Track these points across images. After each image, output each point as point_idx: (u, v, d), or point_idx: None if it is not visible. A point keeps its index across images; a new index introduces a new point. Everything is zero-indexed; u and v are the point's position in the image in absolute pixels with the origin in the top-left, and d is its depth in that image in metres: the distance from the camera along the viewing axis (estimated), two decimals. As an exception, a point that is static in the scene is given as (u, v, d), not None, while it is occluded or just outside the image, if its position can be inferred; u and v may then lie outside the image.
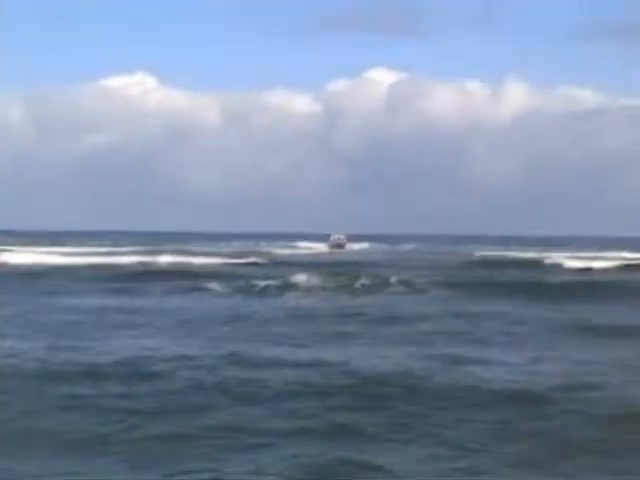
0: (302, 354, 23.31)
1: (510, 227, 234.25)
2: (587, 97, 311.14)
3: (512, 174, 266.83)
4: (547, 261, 76.45)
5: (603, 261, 74.39)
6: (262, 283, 47.27)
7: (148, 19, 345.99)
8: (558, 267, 70.00)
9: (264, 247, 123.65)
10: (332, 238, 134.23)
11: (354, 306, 38.05)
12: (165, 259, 73.31)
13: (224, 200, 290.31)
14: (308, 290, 46.45)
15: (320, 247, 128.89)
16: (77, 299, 39.78)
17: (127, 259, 72.05)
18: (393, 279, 49.25)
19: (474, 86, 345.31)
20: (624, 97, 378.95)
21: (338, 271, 57.36)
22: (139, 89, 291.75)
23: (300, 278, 49.68)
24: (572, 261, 74.66)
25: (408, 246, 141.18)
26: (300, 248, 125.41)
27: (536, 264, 73.46)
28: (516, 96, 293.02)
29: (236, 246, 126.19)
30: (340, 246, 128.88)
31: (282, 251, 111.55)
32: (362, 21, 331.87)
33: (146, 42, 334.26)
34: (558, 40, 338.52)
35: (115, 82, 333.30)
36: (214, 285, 46.93)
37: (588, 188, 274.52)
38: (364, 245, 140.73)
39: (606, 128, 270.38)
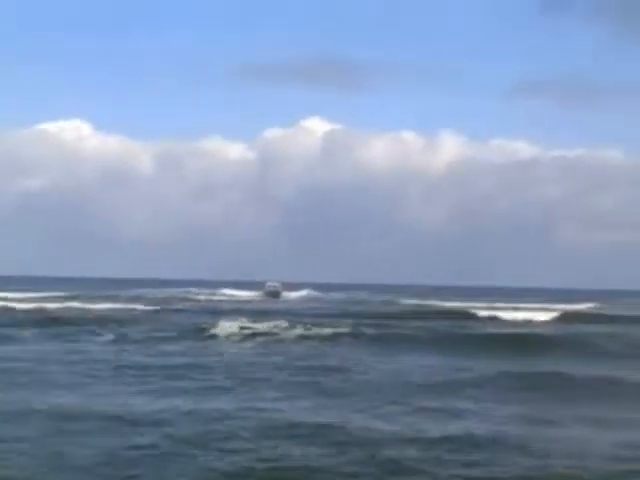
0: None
1: (445, 276, 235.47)
2: (521, 148, 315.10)
3: (447, 223, 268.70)
4: (482, 313, 75.49)
5: (541, 312, 75.07)
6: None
7: (82, 67, 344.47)
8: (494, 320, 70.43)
9: (194, 294, 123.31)
10: (267, 285, 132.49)
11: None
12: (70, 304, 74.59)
13: (157, 245, 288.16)
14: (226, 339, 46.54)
15: (253, 295, 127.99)
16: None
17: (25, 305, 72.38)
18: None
19: (409, 136, 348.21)
20: (556, 149, 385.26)
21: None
22: (75, 134, 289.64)
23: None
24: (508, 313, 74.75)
25: (340, 295, 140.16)
26: (227, 296, 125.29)
27: (470, 316, 73.33)
28: (451, 147, 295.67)
29: (165, 292, 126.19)
30: (275, 294, 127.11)
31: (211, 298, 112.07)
32: (298, 73, 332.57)
33: (82, 89, 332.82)
34: (492, 96, 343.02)
35: (51, 127, 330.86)
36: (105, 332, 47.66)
37: (523, 238, 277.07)
38: (302, 293, 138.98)
39: (539, 178, 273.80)
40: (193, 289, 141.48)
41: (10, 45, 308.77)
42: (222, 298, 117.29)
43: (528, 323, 65.90)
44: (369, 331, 50.57)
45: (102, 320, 55.85)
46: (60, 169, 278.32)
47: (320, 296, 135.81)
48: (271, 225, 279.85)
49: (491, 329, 56.08)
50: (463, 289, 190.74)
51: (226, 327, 49.22)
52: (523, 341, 46.52)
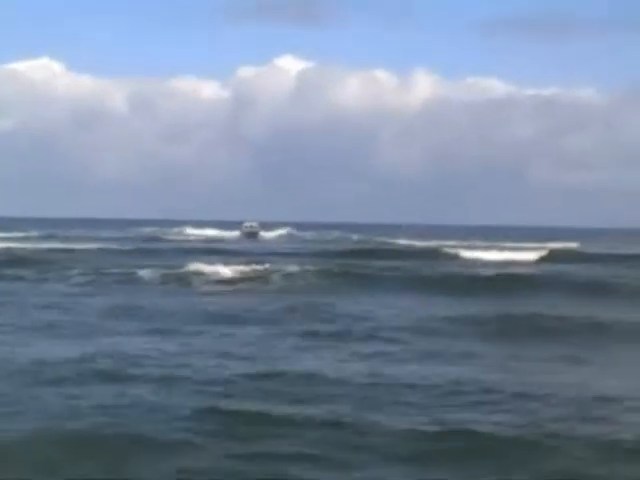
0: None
1: (421, 215, 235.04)
2: (495, 87, 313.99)
3: (421, 162, 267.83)
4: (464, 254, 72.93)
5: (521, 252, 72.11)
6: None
7: (54, 5, 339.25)
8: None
9: (170, 234, 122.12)
10: (244, 226, 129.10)
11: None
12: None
13: (131, 186, 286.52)
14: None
15: (230, 235, 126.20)
16: None
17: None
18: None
19: (383, 75, 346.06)
20: (531, 88, 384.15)
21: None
22: (45, 74, 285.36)
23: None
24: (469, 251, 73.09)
25: (309, 234, 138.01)
26: (202, 236, 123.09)
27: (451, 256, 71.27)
28: (425, 86, 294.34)
29: (142, 232, 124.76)
30: (253, 235, 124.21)
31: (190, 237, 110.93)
32: (268, 11, 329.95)
33: (52, 27, 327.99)
34: (466, 33, 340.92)
35: (21, 66, 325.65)
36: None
37: (498, 178, 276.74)
38: (282, 232, 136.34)
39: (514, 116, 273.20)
40: (166, 229, 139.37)
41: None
42: (198, 238, 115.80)
43: (511, 264, 61.95)
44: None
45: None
46: (31, 109, 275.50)
47: (299, 235, 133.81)
48: (246, 165, 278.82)
49: (478, 269, 54.15)
50: (438, 228, 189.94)
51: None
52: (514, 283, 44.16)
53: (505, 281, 44.56)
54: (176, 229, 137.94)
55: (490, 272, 49.14)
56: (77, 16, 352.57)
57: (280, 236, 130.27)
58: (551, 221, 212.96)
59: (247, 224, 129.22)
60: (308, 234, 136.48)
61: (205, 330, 26.89)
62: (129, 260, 57.05)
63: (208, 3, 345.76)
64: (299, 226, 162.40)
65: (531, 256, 67.40)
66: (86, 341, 23.99)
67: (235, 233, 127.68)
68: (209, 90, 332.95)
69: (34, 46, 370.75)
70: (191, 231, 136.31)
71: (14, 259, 54.73)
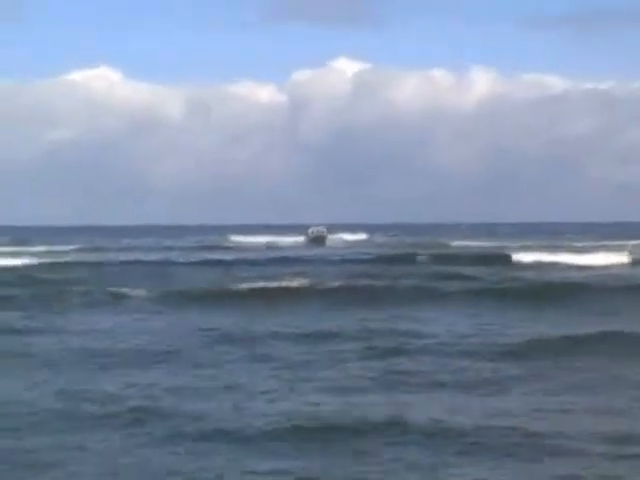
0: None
1: (481, 214, 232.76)
2: (552, 83, 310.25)
3: (480, 160, 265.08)
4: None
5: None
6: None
7: (109, 11, 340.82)
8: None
9: (229, 242, 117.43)
10: (310, 231, 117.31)
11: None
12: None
13: (191, 192, 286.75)
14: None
15: (292, 240, 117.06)
16: None
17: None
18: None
19: (439, 74, 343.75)
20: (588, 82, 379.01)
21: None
22: (103, 83, 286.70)
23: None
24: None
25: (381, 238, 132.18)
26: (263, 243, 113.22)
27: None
28: (482, 83, 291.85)
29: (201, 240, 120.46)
30: (320, 240, 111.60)
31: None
32: (323, 11, 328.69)
33: (108, 34, 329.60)
34: (518, 28, 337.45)
35: (78, 76, 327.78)
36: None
37: (556, 173, 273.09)
38: (361, 236, 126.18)
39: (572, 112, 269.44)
40: (229, 235, 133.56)
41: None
42: (257, 245, 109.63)
43: (605, 267, 56.89)
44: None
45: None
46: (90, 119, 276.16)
47: (365, 239, 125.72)
48: (304, 169, 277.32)
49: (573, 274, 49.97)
50: (500, 226, 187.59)
51: None
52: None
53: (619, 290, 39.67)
54: (237, 237, 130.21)
55: (595, 279, 45.01)
56: (130, 22, 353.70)
57: (349, 241, 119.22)
58: (609, 217, 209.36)
59: (313, 228, 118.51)
60: (380, 239, 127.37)
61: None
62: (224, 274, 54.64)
63: (261, 4, 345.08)
64: (358, 228, 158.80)
65: (622, 258, 63.27)
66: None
67: (299, 238, 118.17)
68: (265, 94, 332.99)
69: (91, 55, 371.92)
70: (251, 239, 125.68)
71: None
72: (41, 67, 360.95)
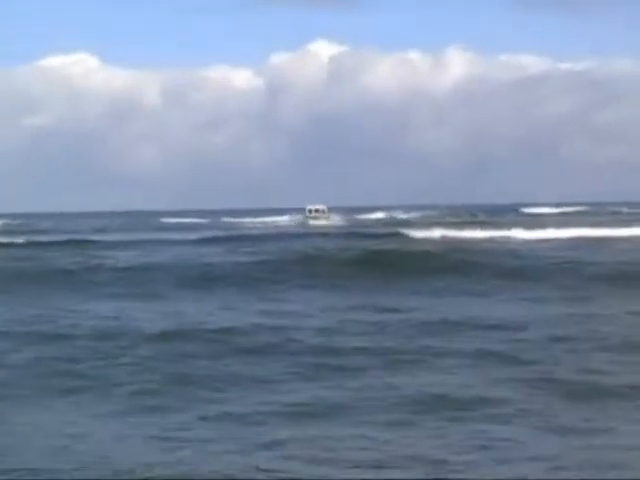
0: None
1: (458, 196, 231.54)
2: (530, 63, 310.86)
3: (457, 142, 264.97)
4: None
5: None
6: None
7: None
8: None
9: (229, 222, 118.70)
10: (308, 210, 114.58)
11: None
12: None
13: (167, 177, 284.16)
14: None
15: (283, 220, 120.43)
16: None
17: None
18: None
19: (416, 56, 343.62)
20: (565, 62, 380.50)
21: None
22: (79, 69, 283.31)
23: None
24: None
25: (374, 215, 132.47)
26: (267, 223, 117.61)
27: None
28: (459, 64, 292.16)
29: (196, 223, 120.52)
30: (323, 218, 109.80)
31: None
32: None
33: (83, 21, 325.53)
34: (497, 8, 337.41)
35: (54, 62, 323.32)
36: None
37: (536, 153, 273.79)
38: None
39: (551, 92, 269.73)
40: (229, 219, 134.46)
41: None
42: (267, 225, 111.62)
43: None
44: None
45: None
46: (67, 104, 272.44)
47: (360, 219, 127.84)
48: (281, 152, 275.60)
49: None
50: (479, 207, 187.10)
51: None
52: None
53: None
54: (229, 219, 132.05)
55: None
56: (105, 6, 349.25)
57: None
58: (587, 197, 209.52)
59: (311, 207, 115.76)
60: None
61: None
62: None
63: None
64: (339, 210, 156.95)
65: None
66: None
67: (295, 218, 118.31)
68: (244, 77, 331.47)
69: (67, 40, 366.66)
70: (250, 219, 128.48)
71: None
72: (14, 52, 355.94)
